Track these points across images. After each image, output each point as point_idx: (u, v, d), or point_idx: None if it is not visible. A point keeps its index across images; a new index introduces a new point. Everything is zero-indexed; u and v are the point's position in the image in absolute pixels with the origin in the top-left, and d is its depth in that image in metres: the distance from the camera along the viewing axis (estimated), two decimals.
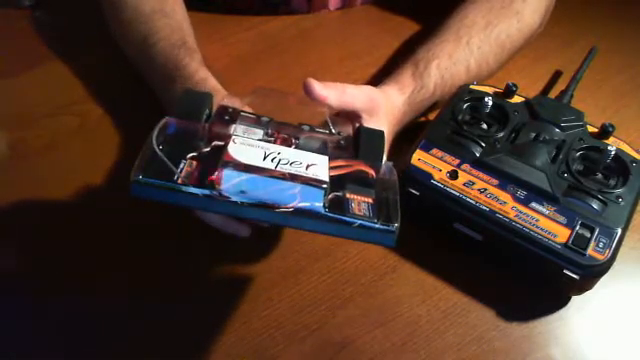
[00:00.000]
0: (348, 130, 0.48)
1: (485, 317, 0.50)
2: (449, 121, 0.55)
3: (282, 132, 0.45)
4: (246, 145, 0.41)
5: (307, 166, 0.40)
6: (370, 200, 0.40)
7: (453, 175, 0.52)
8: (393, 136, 0.58)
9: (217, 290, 0.52)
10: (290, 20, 0.76)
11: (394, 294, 0.52)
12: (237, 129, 0.44)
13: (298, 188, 0.38)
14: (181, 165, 0.39)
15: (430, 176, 0.52)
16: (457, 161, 0.53)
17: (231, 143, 0.40)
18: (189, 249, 0.54)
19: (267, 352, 0.48)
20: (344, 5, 0.77)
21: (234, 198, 0.37)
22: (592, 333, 0.50)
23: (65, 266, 0.53)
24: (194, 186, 0.37)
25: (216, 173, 0.37)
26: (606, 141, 0.54)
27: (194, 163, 0.39)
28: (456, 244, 0.53)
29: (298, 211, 0.37)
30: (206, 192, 0.37)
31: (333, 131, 0.47)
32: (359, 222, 0.38)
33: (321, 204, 0.38)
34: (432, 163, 0.52)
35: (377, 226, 0.39)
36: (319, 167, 0.40)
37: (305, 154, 0.41)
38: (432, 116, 0.59)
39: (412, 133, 0.59)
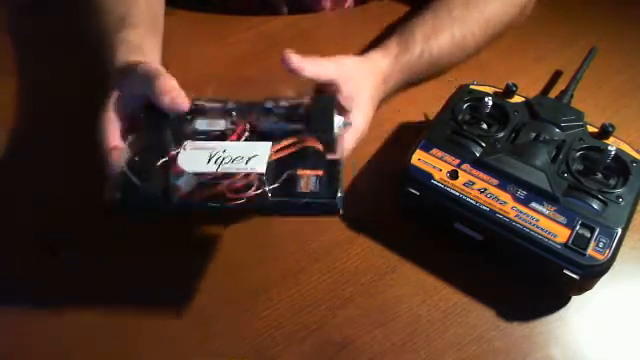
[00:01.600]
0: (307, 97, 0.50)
1: (485, 317, 0.50)
2: (449, 121, 0.55)
3: (246, 115, 0.48)
4: (195, 149, 0.45)
5: (248, 159, 0.43)
6: (320, 173, 0.44)
7: (453, 175, 0.52)
8: (382, 97, 0.60)
9: (217, 290, 0.52)
10: (290, 20, 0.76)
11: (394, 294, 0.52)
12: (199, 124, 0.48)
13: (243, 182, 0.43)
14: (151, 175, 0.44)
15: (430, 176, 0.52)
16: (457, 161, 0.53)
17: (181, 151, 0.44)
18: (188, 249, 0.54)
19: (267, 352, 0.48)
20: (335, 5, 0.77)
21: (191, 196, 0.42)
22: (592, 333, 0.50)
23: (65, 266, 0.53)
24: (161, 197, 0.42)
25: (173, 180, 0.43)
26: (606, 141, 0.54)
27: (160, 172, 0.44)
28: (456, 244, 0.53)
29: (250, 200, 0.42)
30: (174, 200, 0.42)
31: (290, 102, 0.50)
32: (305, 200, 0.42)
33: (265, 190, 0.42)
34: (432, 163, 0.52)
35: (321, 201, 0.42)
36: (259, 158, 0.43)
37: (249, 146, 0.45)
38: (432, 116, 0.59)
39: (412, 133, 0.59)
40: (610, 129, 0.54)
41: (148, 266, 0.53)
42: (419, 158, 0.53)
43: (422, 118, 0.63)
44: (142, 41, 0.57)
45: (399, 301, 0.51)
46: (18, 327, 0.50)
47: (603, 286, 0.49)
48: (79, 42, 0.73)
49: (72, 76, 0.69)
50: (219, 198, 0.42)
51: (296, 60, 0.51)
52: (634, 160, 0.53)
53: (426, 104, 0.63)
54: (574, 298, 0.51)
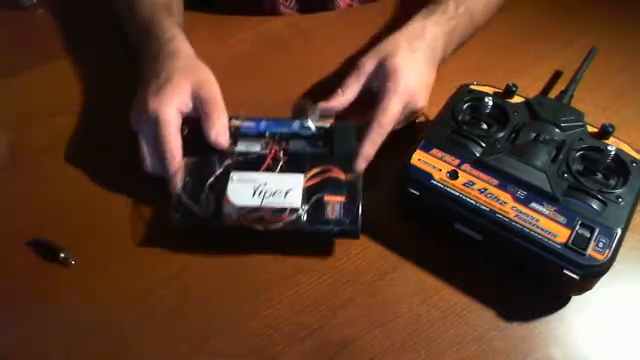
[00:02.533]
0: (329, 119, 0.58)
1: (485, 317, 0.50)
2: (449, 121, 0.55)
3: (277, 138, 0.56)
4: (241, 181, 0.53)
5: (285, 193, 0.52)
6: (342, 199, 0.52)
7: (453, 175, 0.52)
8: (431, 45, 0.61)
9: (217, 290, 0.52)
10: (290, 20, 0.76)
11: (394, 294, 0.52)
12: (239, 146, 0.56)
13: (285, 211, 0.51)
14: (202, 196, 0.52)
15: (430, 176, 0.52)
16: (457, 161, 0.53)
17: (230, 183, 0.52)
18: (188, 248, 0.54)
19: (267, 352, 0.48)
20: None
21: (243, 221, 0.51)
22: (592, 333, 0.50)
23: (64, 267, 0.53)
24: (213, 218, 0.51)
25: (225, 206, 0.51)
26: (606, 141, 0.54)
27: (211, 195, 0.52)
28: (456, 244, 0.53)
29: (286, 224, 0.51)
30: (222, 222, 0.52)
31: (315, 125, 0.57)
32: (332, 227, 0.51)
33: (301, 218, 0.51)
34: (432, 163, 0.53)
35: (346, 228, 0.51)
36: (294, 192, 0.52)
37: (286, 179, 0.53)
38: (432, 116, 0.59)
39: (412, 133, 0.59)
40: (610, 129, 0.54)
41: (148, 266, 0.53)
42: (419, 158, 0.53)
43: (422, 118, 0.63)
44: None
45: (399, 301, 0.51)
46: (18, 328, 0.50)
47: (603, 286, 0.49)
48: (80, 43, 0.73)
49: (74, 77, 0.69)
50: (260, 220, 0.51)
51: (325, 106, 0.57)
52: (634, 160, 0.53)
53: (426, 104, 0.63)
54: (574, 298, 0.51)
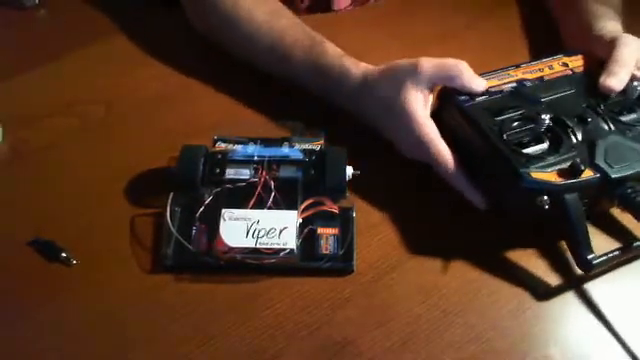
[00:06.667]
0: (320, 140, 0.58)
1: (484, 317, 0.50)
2: None
3: (266, 163, 0.55)
4: (233, 220, 0.52)
5: (280, 232, 0.51)
6: (335, 231, 0.53)
7: None
8: None
9: (217, 290, 0.52)
10: None
11: (394, 294, 0.52)
12: (228, 173, 0.55)
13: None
14: (193, 231, 0.53)
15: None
16: None
17: (222, 222, 0.51)
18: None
19: (267, 352, 0.48)
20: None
21: (237, 257, 0.51)
22: (592, 333, 0.50)
23: (65, 266, 0.53)
24: (208, 256, 0.52)
25: (219, 248, 0.51)
26: None
27: (202, 227, 0.53)
28: (457, 244, 0.53)
29: (279, 260, 0.51)
30: (217, 261, 0.52)
31: (306, 147, 0.57)
32: (326, 264, 0.52)
33: (295, 253, 0.51)
34: None
35: (339, 265, 0.52)
36: (289, 230, 0.51)
37: (279, 216, 0.52)
38: None
39: None
40: None
41: (148, 267, 0.53)
42: None
43: None
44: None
45: (399, 301, 0.51)
46: (18, 328, 0.50)
47: (603, 286, 0.49)
48: (80, 43, 0.73)
49: (74, 77, 0.69)
50: (255, 253, 0.51)
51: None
52: None
53: None
54: (575, 298, 0.52)
